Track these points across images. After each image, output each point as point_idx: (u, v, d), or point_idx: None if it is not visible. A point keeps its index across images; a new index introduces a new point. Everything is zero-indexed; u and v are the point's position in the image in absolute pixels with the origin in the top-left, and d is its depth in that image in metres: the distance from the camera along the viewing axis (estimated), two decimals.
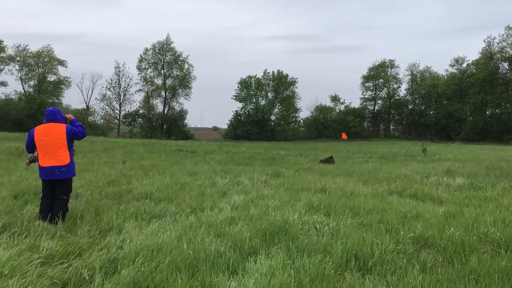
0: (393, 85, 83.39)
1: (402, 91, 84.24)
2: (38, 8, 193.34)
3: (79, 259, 4.98)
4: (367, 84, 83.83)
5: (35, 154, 7.01)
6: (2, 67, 68.86)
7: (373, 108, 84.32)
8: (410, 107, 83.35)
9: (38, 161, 6.93)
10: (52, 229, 6.24)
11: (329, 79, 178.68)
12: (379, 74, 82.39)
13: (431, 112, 77.90)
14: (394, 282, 4.45)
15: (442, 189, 10.77)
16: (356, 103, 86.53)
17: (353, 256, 5.14)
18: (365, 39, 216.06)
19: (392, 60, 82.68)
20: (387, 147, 40.52)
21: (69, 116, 7.32)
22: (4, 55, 68.36)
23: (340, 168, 17.06)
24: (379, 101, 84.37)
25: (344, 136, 38.66)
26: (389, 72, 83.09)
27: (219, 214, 7.56)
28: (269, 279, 4.42)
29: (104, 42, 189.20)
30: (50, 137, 6.82)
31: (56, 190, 6.95)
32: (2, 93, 71.19)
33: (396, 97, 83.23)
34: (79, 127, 7.13)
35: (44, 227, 6.29)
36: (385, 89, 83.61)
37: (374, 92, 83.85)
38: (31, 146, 6.99)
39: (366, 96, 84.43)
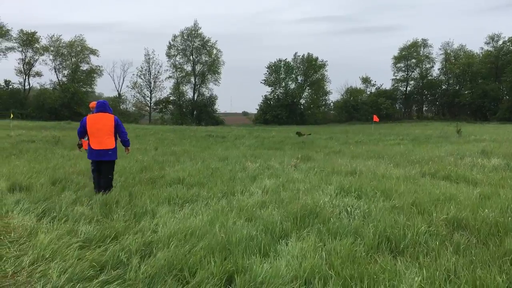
0: (425, 65, 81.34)
1: (435, 71, 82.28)
2: None
3: (116, 243, 5.14)
4: (398, 65, 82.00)
5: (86, 138, 8.33)
6: (37, 57, 70.78)
7: (405, 89, 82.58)
8: (443, 87, 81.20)
9: (88, 145, 8.18)
10: (89, 214, 6.46)
11: (360, 61, 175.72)
12: (411, 54, 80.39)
13: (466, 92, 75.79)
14: (426, 263, 4.42)
15: (476, 171, 10.53)
16: (387, 85, 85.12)
17: (385, 238, 5.12)
18: (399, 18, 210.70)
19: (425, 39, 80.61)
20: (420, 129, 39.76)
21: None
22: (38, 46, 70.15)
23: (371, 150, 16.88)
24: (411, 82, 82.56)
25: (375, 118, 38.15)
26: (421, 52, 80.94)
27: (250, 198, 7.62)
28: (301, 261, 4.46)
29: (138, 30, 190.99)
30: (100, 124, 8.10)
31: (103, 171, 8.20)
32: (38, 83, 73.29)
33: (429, 77, 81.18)
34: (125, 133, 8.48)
35: (81, 212, 6.51)
36: (417, 69, 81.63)
37: (406, 72, 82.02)
38: (82, 132, 8.26)
39: (397, 77, 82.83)
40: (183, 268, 4.37)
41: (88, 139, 8.18)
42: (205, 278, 4.17)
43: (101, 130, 8.07)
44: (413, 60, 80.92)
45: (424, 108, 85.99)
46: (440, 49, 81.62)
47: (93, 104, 9.96)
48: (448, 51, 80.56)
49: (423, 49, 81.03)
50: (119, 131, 8.36)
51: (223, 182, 9.25)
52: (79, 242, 5.14)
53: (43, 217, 6.33)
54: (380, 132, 33.43)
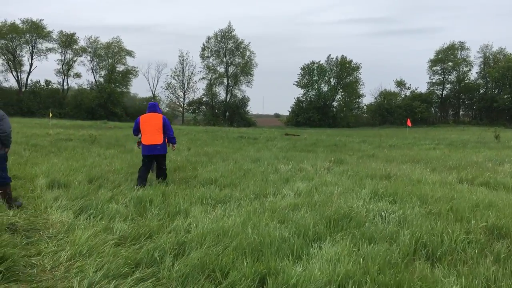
0: (463, 68, 79.09)
1: (473, 74, 79.83)
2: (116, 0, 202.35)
3: (150, 241, 5.20)
4: (434, 68, 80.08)
5: (139, 136, 9.37)
6: (75, 58, 72.76)
7: (441, 93, 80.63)
8: (481, 91, 78.74)
9: (141, 141, 9.26)
10: (124, 212, 6.58)
11: (395, 63, 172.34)
12: (447, 57, 78.45)
13: (505, 96, 73.19)
14: (465, 272, 4.29)
15: None
16: (423, 88, 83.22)
17: (421, 245, 5.01)
18: (442, 20, 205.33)
19: (462, 42, 78.39)
20: (456, 134, 38.78)
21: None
22: (77, 47, 72.10)
23: (405, 155, 16.56)
24: (448, 86, 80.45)
25: (408, 123, 37.50)
26: (458, 55, 78.84)
27: (282, 200, 7.59)
28: (334, 265, 4.40)
29: (174, 31, 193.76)
30: (150, 122, 9.20)
31: (157, 164, 9.38)
32: (76, 83, 75.25)
33: (466, 81, 78.95)
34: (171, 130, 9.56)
35: (117, 210, 6.63)
36: (454, 72, 79.48)
37: (443, 76, 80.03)
38: (137, 130, 9.39)
39: (433, 81, 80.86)
40: (215, 269, 4.38)
41: (141, 136, 9.27)
42: (237, 279, 4.17)
43: (151, 128, 9.17)
44: (450, 63, 78.86)
45: (461, 113, 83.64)
46: (478, 52, 79.22)
47: None
48: (487, 54, 78.21)
49: (461, 52, 78.94)
50: (166, 129, 9.31)
51: (255, 184, 9.24)
52: (115, 239, 5.23)
53: (80, 214, 6.48)
54: (415, 136, 32.76)
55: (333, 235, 5.51)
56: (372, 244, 5.08)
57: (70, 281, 4.17)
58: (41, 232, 5.68)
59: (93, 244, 4.97)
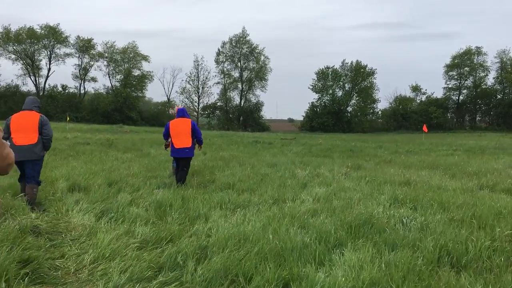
0: (480, 73, 78.22)
1: (490, 79, 78.85)
2: (135, 5, 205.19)
3: (172, 245, 5.21)
4: (451, 73, 79.28)
5: (169, 140, 9.92)
6: (92, 63, 73.62)
7: (457, 98, 79.79)
8: (498, 96, 77.80)
9: (171, 144, 9.78)
10: (145, 216, 6.62)
11: (411, 68, 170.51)
12: (464, 62, 77.63)
13: None
14: (492, 280, 4.22)
15: None
16: (439, 93, 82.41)
17: (445, 252, 4.94)
18: (458, 25, 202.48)
19: (479, 47, 77.55)
20: (474, 139, 38.29)
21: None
22: (94, 52, 72.95)
23: (423, 161, 16.39)
24: (464, 91, 79.59)
25: (424, 129, 37.22)
26: (475, 60, 77.99)
27: (301, 206, 7.56)
28: (358, 272, 4.36)
29: (189, 36, 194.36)
30: (180, 127, 9.73)
31: (180, 165, 9.79)
32: (92, 87, 76.01)
33: (483, 86, 78.01)
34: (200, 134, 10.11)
35: (137, 214, 6.67)
36: (470, 78, 78.62)
37: (459, 81, 79.20)
38: (167, 134, 9.92)
39: (449, 86, 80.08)
40: (238, 273, 4.37)
41: (171, 139, 9.77)
42: (261, 284, 4.16)
43: (181, 132, 9.69)
44: (466, 69, 78.07)
45: (478, 118, 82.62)
46: (495, 57, 78.20)
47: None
48: (504, 59, 77.13)
49: (477, 57, 78.08)
50: (195, 133, 9.84)
51: (273, 189, 9.22)
52: (137, 243, 5.25)
53: (101, 217, 6.53)
54: (431, 142, 32.40)
55: (355, 241, 5.47)
56: (394, 251, 5.03)
57: (95, 284, 4.20)
58: (63, 235, 5.74)
59: (115, 247, 5.00)
